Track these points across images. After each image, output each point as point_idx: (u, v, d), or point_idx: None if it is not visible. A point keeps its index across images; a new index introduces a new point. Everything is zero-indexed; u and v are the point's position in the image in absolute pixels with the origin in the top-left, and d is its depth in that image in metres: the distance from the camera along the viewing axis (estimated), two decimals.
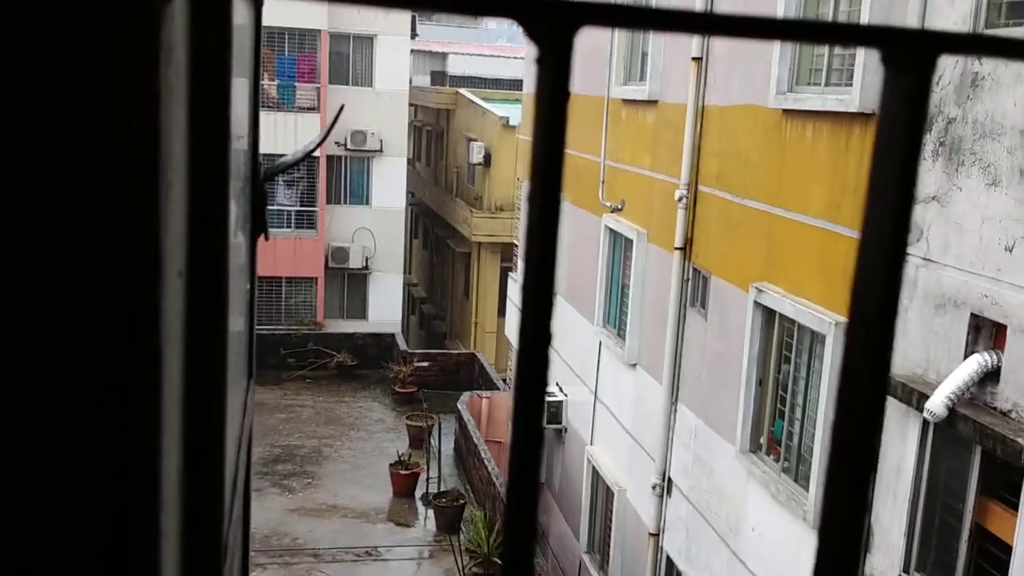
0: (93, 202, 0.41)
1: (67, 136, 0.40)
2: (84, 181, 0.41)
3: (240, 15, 0.96)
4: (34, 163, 0.41)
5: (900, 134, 0.40)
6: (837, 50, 7.88)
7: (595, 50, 13.06)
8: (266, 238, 1.26)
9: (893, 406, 6.62)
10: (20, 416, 0.44)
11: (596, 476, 12.84)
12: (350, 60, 25.36)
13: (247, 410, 1.23)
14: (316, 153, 24.13)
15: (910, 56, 0.40)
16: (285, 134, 22.99)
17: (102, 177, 0.40)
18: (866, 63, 7.13)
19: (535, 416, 0.45)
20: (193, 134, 0.51)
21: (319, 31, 24.36)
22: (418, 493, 16.82)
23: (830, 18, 7.92)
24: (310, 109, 24.36)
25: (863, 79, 7.14)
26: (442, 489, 16.40)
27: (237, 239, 1.12)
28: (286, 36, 24.12)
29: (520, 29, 0.42)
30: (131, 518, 0.48)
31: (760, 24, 0.38)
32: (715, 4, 9.85)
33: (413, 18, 26.67)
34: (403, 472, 16.80)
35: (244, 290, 1.12)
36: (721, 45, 9.74)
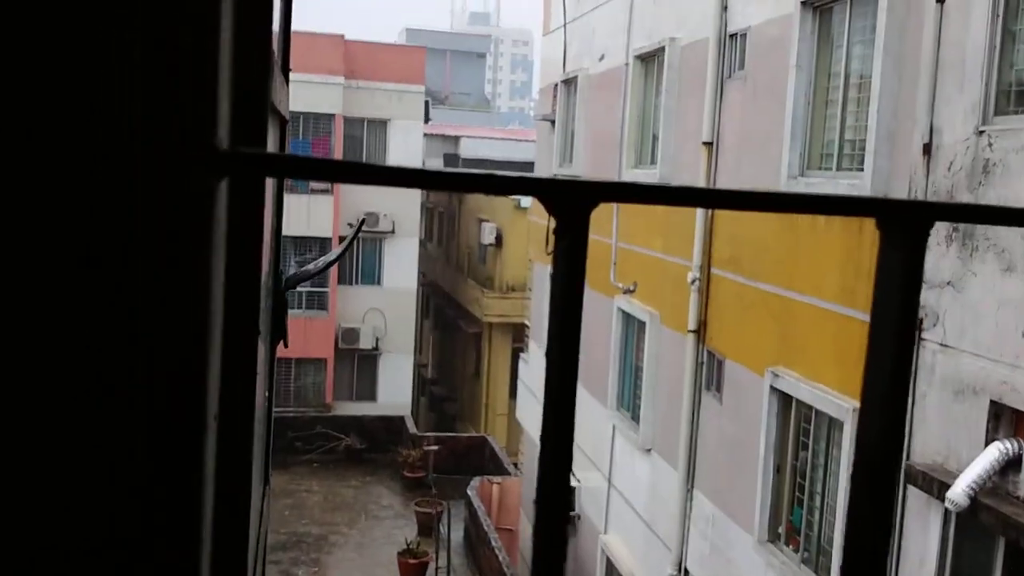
0: (148, 356, 0.44)
1: (133, 303, 0.43)
2: (144, 337, 0.43)
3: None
4: (106, 316, 0.44)
5: (897, 297, 0.43)
6: (848, 135, 8.00)
7: (607, 133, 13.30)
8: (285, 345, 1.29)
9: (914, 495, 6.50)
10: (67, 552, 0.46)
11: (610, 566, 12.55)
12: (364, 143, 25.83)
13: (263, 517, 1.24)
14: (329, 234, 24.40)
15: (905, 224, 0.42)
16: (298, 216, 23.31)
17: (159, 333, 0.43)
18: (877, 148, 7.23)
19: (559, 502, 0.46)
20: (229, 284, 0.54)
21: (333, 115, 24.90)
22: None
23: (839, 108, 8.06)
24: (323, 191, 24.74)
25: (875, 163, 7.23)
26: None
27: (261, 347, 1.14)
28: (301, 119, 24.65)
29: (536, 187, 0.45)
30: None
31: (763, 198, 0.40)
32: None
33: (426, 102, 27.26)
34: (411, 561, 16.46)
35: (263, 399, 1.14)
36: (731, 130, 9.91)
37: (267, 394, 1.27)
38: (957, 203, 0.43)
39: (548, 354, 0.45)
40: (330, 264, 2.24)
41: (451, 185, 0.39)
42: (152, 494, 0.44)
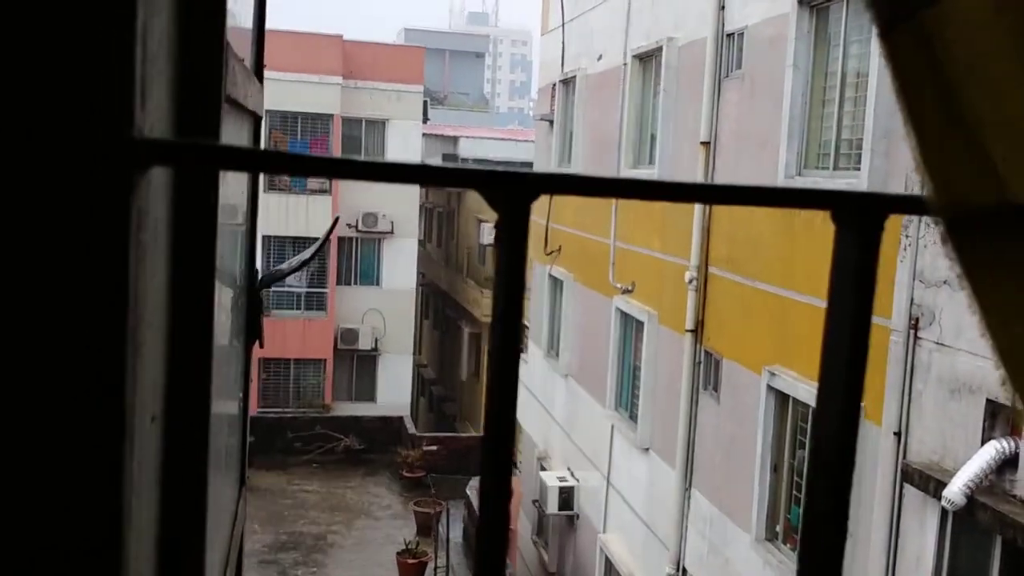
0: (58, 354, 0.42)
1: (38, 296, 0.42)
2: (50, 335, 0.42)
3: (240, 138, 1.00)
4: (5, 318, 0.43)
5: (852, 291, 0.41)
6: (845, 134, 7.99)
7: (605, 133, 13.30)
8: (261, 345, 1.28)
9: (911, 494, 6.50)
10: None
11: (609, 565, 12.55)
12: (362, 144, 25.79)
13: (237, 519, 1.23)
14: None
15: (860, 217, 0.41)
16: (296, 216, 23.33)
17: (67, 333, 0.42)
18: (874, 147, 7.22)
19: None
20: (176, 279, 0.53)
21: (332, 115, 24.88)
22: None
23: (836, 106, 8.05)
24: (321, 192, 24.73)
25: (872, 162, 7.22)
26: None
27: (232, 346, 1.13)
28: (299, 120, 24.63)
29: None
30: None
31: (712, 191, 0.39)
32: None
33: (425, 102, 27.24)
34: (411, 561, 16.48)
35: (237, 399, 1.13)
36: (729, 129, 9.90)
37: (242, 395, 1.26)
38: (912, 195, 0.42)
39: (490, 347, 0.44)
40: (304, 263, 2.23)
41: (386, 176, 0.38)
42: (69, 497, 0.43)
